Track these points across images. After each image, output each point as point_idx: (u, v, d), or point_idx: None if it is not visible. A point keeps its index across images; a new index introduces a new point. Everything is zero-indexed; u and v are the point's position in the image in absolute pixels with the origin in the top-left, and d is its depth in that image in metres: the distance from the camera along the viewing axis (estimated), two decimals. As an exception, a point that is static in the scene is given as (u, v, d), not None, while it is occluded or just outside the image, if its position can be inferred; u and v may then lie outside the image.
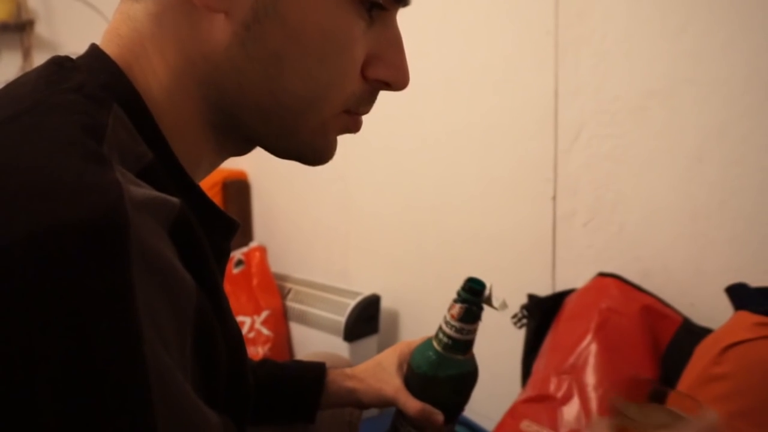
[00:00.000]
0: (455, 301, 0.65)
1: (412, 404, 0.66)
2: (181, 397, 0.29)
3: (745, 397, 0.79)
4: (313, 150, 0.46)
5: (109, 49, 0.41)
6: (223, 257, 0.45)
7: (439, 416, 0.65)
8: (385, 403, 0.69)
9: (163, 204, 0.33)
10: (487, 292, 0.65)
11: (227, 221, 0.44)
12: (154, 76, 0.41)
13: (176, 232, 0.33)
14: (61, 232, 0.27)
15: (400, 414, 0.69)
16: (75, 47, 0.48)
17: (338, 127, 0.45)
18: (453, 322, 0.65)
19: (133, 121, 0.38)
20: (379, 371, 0.71)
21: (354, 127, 0.47)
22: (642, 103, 1.15)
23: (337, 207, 1.77)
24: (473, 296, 0.65)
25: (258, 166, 2.00)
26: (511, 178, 1.36)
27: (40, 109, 0.34)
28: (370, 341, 1.54)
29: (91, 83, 0.38)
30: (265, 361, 0.75)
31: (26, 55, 2.13)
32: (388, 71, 0.44)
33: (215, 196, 1.99)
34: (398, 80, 0.45)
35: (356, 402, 0.72)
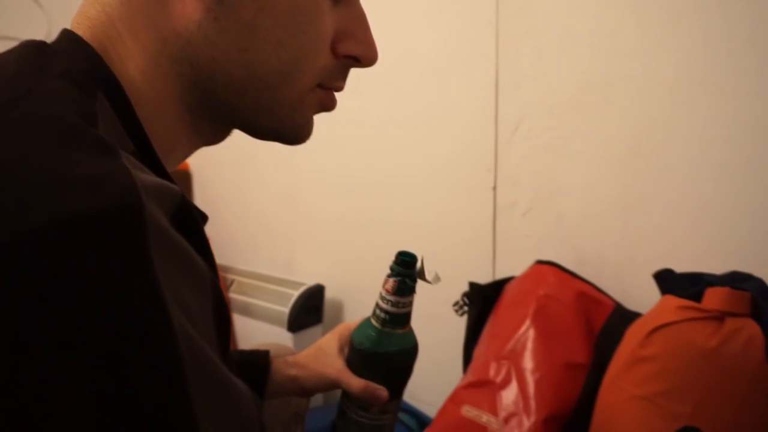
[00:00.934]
0: (389, 275, 0.67)
1: (355, 383, 0.67)
2: (213, 370, 0.30)
3: (670, 377, 0.83)
4: (292, 126, 0.46)
5: (81, 33, 0.40)
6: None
7: (383, 392, 0.66)
8: (328, 386, 0.70)
9: (167, 191, 0.33)
10: (418, 265, 0.67)
11: (200, 212, 0.44)
12: (131, 59, 0.40)
13: (178, 219, 0.33)
14: (80, 219, 0.27)
15: (346, 396, 0.69)
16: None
17: (315, 102, 0.46)
18: (388, 297, 0.66)
19: (114, 110, 0.38)
20: (320, 355, 0.71)
21: (330, 103, 0.48)
22: (580, 97, 1.18)
23: (282, 198, 1.76)
24: (405, 269, 0.66)
25: (200, 156, 1.96)
26: (452, 168, 1.38)
27: (35, 96, 0.33)
28: (315, 331, 1.54)
29: (75, 69, 0.37)
30: None
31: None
32: (358, 47, 0.46)
33: (156, 186, 1.94)
34: (368, 56, 0.47)
35: (300, 388, 0.72)
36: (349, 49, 0.46)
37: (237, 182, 1.89)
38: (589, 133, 1.18)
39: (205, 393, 0.29)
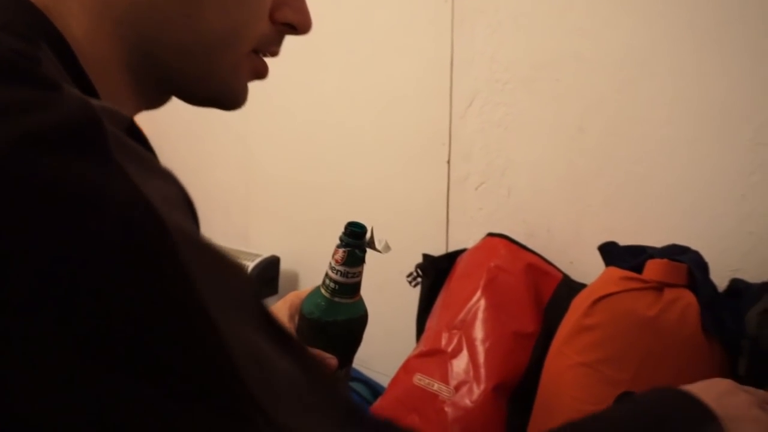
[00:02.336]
0: (338, 246, 0.68)
1: None
2: (207, 245, 0.30)
3: (612, 344, 0.87)
4: (232, 91, 0.47)
5: None
6: None
7: (332, 360, 0.68)
8: None
9: (117, 112, 0.33)
10: (368, 235, 0.68)
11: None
12: (74, 18, 0.40)
13: (131, 137, 0.33)
14: (42, 133, 0.26)
15: None
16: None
17: (250, 68, 0.48)
18: (338, 267, 0.67)
19: (60, 62, 0.37)
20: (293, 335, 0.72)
21: (264, 69, 0.50)
22: (531, 74, 1.21)
23: (237, 169, 1.74)
24: (355, 239, 0.67)
25: (153, 126, 1.91)
26: (408, 142, 1.39)
27: None
28: (270, 303, 1.54)
29: (15, 22, 0.36)
30: None
31: None
32: (294, 15, 0.47)
33: (104, 155, 1.89)
34: (303, 23, 0.48)
35: None
36: (285, 17, 0.47)
37: (190, 153, 1.85)
38: (539, 110, 1.21)
39: (213, 278, 0.29)
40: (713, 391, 0.53)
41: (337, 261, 0.67)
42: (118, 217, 0.26)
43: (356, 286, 0.69)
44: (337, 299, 0.68)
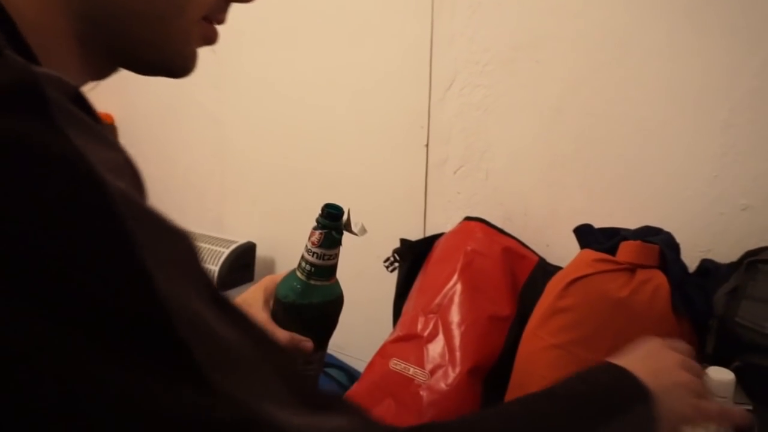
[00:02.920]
0: (315, 228, 0.67)
1: (280, 334, 0.67)
2: (151, 212, 0.29)
3: (584, 326, 0.87)
4: (183, 58, 0.47)
5: None
6: None
7: (308, 343, 0.67)
8: None
9: (61, 80, 0.31)
10: (345, 217, 0.67)
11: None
12: None
13: (77, 106, 0.31)
14: None
15: None
16: None
17: (200, 35, 0.47)
18: (314, 249, 0.66)
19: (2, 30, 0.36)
20: (244, 303, 0.71)
21: (213, 36, 0.49)
22: (510, 56, 1.19)
23: (211, 153, 1.71)
24: (332, 221, 0.67)
25: (125, 108, 1.88)
26: (386, 125, 1.38)
27: None
28: (245, 290, 1.53)
29: None
30: None
31: None
32: None
33: (79, 141, 1.85)
34: None
35: None
36: None
37: (164, 136, 1.82)
38: (518, 91, 1.20)
39: (158, 242, 0.29)
40: (648, 362, 0.54)
41: (313, 243, 0.67)
42: (59, 174, 0.26)
43: (332, 269, 0.69)
44: (312, 281, 0.68)
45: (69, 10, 0.40)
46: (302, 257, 0.68)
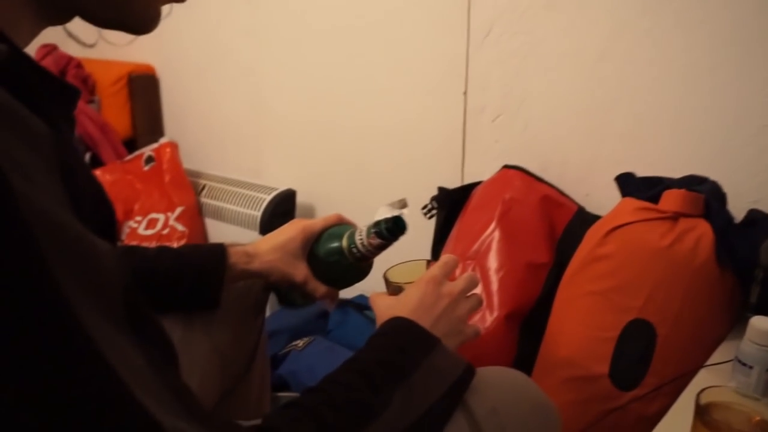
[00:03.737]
0: (377, 234, 0.72)
1: (321, 289, 0.77)
2: (69, 231, 0.29)
3: (623, 273, 0.88)
4: (139, 13, 0.44)
5: None
6: (71, 128, 0.44)
7: (337, 295, 0.78)
8: (292, 286, 0.78)
9: None
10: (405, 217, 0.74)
11: (66, 86, 0.42)
12: None
13: (4, 82, 0.30)
14: None
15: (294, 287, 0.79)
16: None
17: None
18: (369, 247, 0.73)
19: None
20: (285, 256, 0.75)
21: None
22: (549, 2, 1.16)
23: (248, 102, 1.73)
24: (393, 237, 0.73)
25: (166, 59, 1.90)
26: (424, 72, 1.37)
27: None
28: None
29: None
30: (161, 249, 0.75)
31: None
32: None
33: (121, 90, 1.88)
34: None
35: (264, 282, 0.79)
36: None
37: (203, 86, 1.84)
38: (557, 38, 1.17)
39: (65, 257, 0.28)
40: (428, 312, 0.61)
41: (371, 244, 0.73)
42: None
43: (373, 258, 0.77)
44: (356, 263, 0.76)
45: None
46: (354, 242, 0.74)
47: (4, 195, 0.25)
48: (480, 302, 0.68)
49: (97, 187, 0.39)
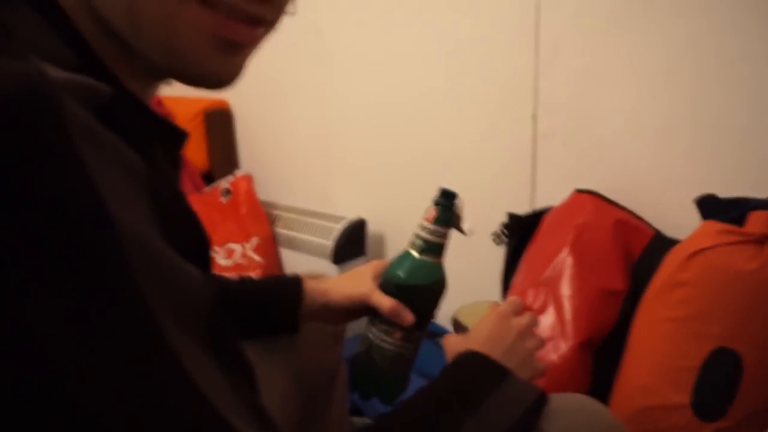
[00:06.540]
0: (431, 205, 0.71)
1: (385, 300, 0.71)
2: (161, 255, 0.30)
3: (706, 299, 0.84)
4: (179, 59, 0.37)
5: None
6: (176, 167, 0.44)
7: (409, 315, 0.70)
8: (358, 302, 0.74)
9: (89, 86, 0.30)
10: (457, 202, 0.70)
11: (173, 129, 0.43)
12: None
13: (106, 115, 0.30)
14: None
15: (371, 321, 0.74)
16: None
17: (195, 24, 0.36)
18: (428, 225, 0.70)
19: (52, 25, 0.34)
20: (353, 276, 0.76)
21: (222, 28, 0.37)
22: (617, 18, 1.14)
23: (318, 132, 1.77)
24: (446, 200, 0.70)
25: (239, 94, 1.98)
26: (491, 95, 1.37)
27: None
28: (358, 263, 1.58)
29: None
30: (243, 279, 0.78)
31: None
32: None
33: (198, 126, 1.98)
34: None
35: (329, 302, 0.75)
36: None
37: (274, 117, 1.90)
38: (625, 55, 1.15)
39: (155, 280, 0.28)
40: (498, 344, 0.62)
41: (428, 219, 0.70)
42: (65, 214, 0.26)
43: (442, 247, 0.72)
44: (422, 257, 0.71)
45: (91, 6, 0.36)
46: (415, 235, 0.72)
47: (101, 216, 0.27)
48: (543, 342, 0.67)
49: (193, 219, 0.40)
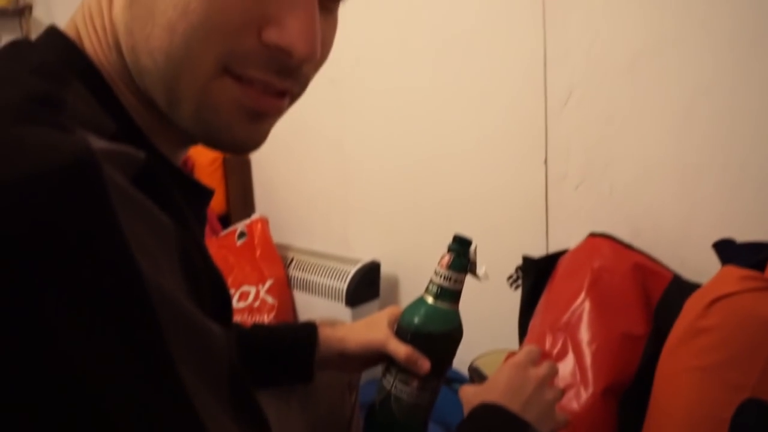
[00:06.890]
0: (446, 252, 0.70)
1: (402, 348, 0.69)
2: (184, 311, 0.31)
3: (732, 347, 0.82)
4: (208, 127, 0.40)
5: (67, 26, 0.42)
6: (201, 224, 0.47)
7: (426, 362, 0.68)
8: (374, 349, 0.72)
9: (126, 154, 0.33)
10: (472, 248, 0.69)
11: (201, 188, 0.46)
12: (100, 46, 0.40)
13: (141, 180, 0.33)
14: (36, 180, 0.27)
15: (388, 369, 0.72)
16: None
17: (227, 97, 0.39)
18: (443, 272, 0.70)
19: (96, 96, 0.38)
20: (369, 323, 0.74)
21: (251, 100, 0.39)
22: (630, 64, 1.16)
23: (334, 176, 1.79)
24: (461, 246, 0.70)
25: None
26: (503, 141, 1.38)
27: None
28: (372, 306, 1.58)
29: (48, 61, 0.38)
30: (255, 326, 0.77)
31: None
32: (281, 36, 0.37)
33: (216, 170, 2.01)
34: (295, 48, 0.37)
35: (345, 350, 0.74)
36: (270, 38, 0.37)
37: (292, 161, 1.93)
38: (641, 100, 1.15)
39: (178, 333, 0.30)
40: (516, 396, 0.61)
41: (442, 266, 0.70)
42: (97, 266, 0.27)
43: (457, 294, 0.71)
44: (438, 303, 0.70)
45: (129, 72, 0.40)
46: (430, 281, 0.71)
47: (134, 275, 0.29)
48: (562, 393, 0.66)
49: (216, 276, 0.42)
